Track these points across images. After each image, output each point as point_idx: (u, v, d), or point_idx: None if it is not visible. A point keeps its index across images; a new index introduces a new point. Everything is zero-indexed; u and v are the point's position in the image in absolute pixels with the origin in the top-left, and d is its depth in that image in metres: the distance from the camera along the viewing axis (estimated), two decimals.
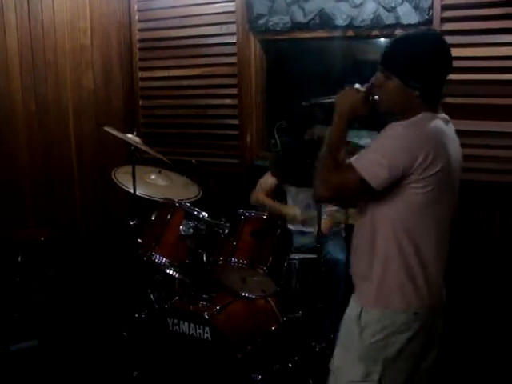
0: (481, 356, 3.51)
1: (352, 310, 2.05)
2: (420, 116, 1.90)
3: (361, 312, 1.99)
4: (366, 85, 2.01)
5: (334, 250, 3.50)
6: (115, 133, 3.50)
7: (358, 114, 2.01)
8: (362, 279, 2.04)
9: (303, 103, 2.31)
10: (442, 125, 1.93)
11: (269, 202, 3.64)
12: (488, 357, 3.51)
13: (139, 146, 3.49)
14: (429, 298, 1.97)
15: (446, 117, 2.00)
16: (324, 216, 3.57)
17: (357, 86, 2.02)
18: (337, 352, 2.10)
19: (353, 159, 1.89)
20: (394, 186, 1.87)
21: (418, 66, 1.90)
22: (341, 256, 3.46)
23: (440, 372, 2.21)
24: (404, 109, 1.95)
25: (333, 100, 2.06)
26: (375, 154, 1.85)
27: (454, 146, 1.96)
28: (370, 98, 2.00)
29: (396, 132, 1.86)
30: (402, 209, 1.90)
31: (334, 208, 3.60)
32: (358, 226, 2.08)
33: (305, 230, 3.68)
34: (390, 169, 1.82)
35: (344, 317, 2.10)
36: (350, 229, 3.62)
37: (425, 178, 1.84)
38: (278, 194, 3.85)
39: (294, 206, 3.65)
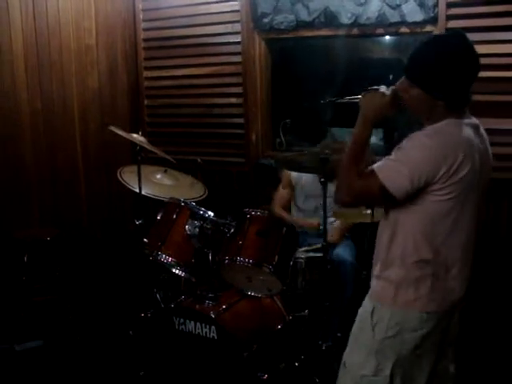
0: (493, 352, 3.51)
1: (366, 304, 2.07)
2: (444, 122, 1.88)
3: (374, 308, 2.01)
4: (391, 88, 1.99)
5: (341, 250, 3.50)
6: (121, 132, 3.51)
7: (382, 117, 1.99)
8: (376, 278, 2.06)
9: (323, 100, 2.31)
10: (467, 130, 1.90)
11: (286, 215, 3.69)
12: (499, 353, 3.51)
13: (144, 145, 3.49)
14: (444, 300, 1.98)
15: (474, 121, 1.97)
16: (332, 219, 3.56)
17: (382, 88, 2.00)
18: (350, 345, 2.11)
19: (376, 166, 1.88)
20: (416, 194, 1.87)
21: (440, 76, 1.87)
22: (348, 255, 3.46)
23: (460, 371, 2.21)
24: (428, 116, 1.93)
25: (355, 100, 2.05)
26: (398, 164, 1.84)
27: (482, 150, 1.94)
28: (399, 103, 1.99)
29: (419, 142, 1.85)
30: (423, 215, 1.91)
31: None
32: (381, 227, 2.09)
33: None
34: (413, 180, 1.82)
35: (359, 311, 2.11)
36: (355, 227, 3.62)
37: (448, 186, 1.84)
38: None
39: (313, 218, 3.66)
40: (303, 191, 3.72)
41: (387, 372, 1.98)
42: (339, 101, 2.24)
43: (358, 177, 1.89)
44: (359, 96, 2.03)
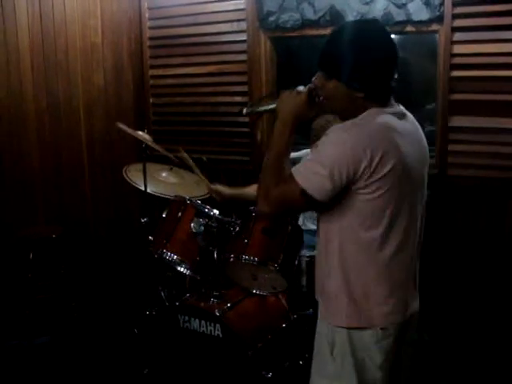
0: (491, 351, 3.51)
1: (320, 327, 1.94)
2: (364, 114, 1.75)
3: (328, 331, 1.88)
4: (307, 86, 1.85)
5: None
6: (127, 129, 3.51)
7: (302, 118, 1.86)
8: (321, 296, 1.93)
9: (243, 112, 2.11)
10: (392, 120, 1.75)
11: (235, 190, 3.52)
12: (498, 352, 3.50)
13: (149, 143, 3.50)
14: (396, 312, 1.84)
15: (400, 109, 1.83)
16: None
17: (299, 88, 1.86)
18: (313, 372, 1.97)
19: (293, 169, 1.74)
20: (341, 194, 1.72)
21: (355, 65, 1.73)
22: None
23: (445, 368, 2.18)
24: (349, 109, 1.79)
25: (271, 106, 1.92)
26: (316, 164, 1.70)
27: (411, 141, 1.79)
28: (316, 100, 1.84)
29: (337, 137, 1.71)
30: (355, 219, 1.75)
31: None
32: (316, 241, 1.94)
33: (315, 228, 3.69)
34: (333, 178, 1.66)
35: (315, 334, 1.96)
36: None
37: (374, 182, 1.68)
38: None
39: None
40: None
41: None
42: (260, 109, 2.12)
43: (276, 184, 1.75)
44: (274, 102, 1.91)
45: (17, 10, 4.10)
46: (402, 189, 1.74)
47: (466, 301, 3.71)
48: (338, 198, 1.73)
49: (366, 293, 1.80)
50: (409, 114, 1.86)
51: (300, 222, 3.74)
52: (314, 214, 3.71)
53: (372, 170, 1.66)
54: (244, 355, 2.81)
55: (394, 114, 1.78)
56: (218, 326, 2.86)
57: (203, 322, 2.90)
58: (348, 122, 1.75)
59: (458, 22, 3.66)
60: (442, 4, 3.66)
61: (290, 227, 2.99)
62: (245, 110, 2.11)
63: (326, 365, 1.89)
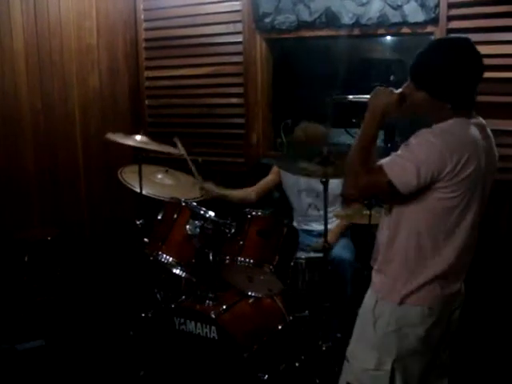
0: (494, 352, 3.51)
1: (368, 299, 2.12)
2: (451, 122, 1.93)
3: (376, 303, 2.06)
4: (399, 90, 2.03)
5: (340, 249, 3.49)
6: (118, 139, 3.48)
7: (389, 115, 2.02)
8: (377, 272, 2.11)
9: (327, 99, 2.35)
10: (473, 130, 1.94)
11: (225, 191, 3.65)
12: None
13: (144, 146, 3.49)
14: (445, 296, 2.02)
15: (480, 121, 2.02)
16: (333, 219, 3.57)
17: (390, 88, 2.04)
18: (353, 340, 2.15)
19: (383, 162, 1.92)
20: (421, 190, 1.91)
21: (446, 80, 1.92)
22: (347, 255, 3.46)
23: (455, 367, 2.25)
24: (434, 117, 1.98)
25: (362, 99, 2.09)
26: (405, 161, 1.88)
27: (487, 150, 1.99)
28: (402, 104, 2.01)
29: (426, 140, 1.89)
30: (427, 213, 1.95)
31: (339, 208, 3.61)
32: (383, 222, 2.13)
33: (309, 228, 3.71)
34: (419, 176, 1.86)
35: (362, 305, 2.15)
36: (355, 228, 3.62)
37: (453, 185, 1.88)
38: (283, 201, 3.88)
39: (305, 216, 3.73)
40: (296, 185, 3.72)
41: (388, 366, 2.02)
42: (346, 99, 2.27)
43: (365, 172, 1.93)
44: (366, 96, 2.07)
45: (11, 10, 4.08)
46: (472, 194, 1.95)
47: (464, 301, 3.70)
48: (416, 193, 1.93)
49: (420, 276, 1.99)
50: (487, 127, 2.05)
51: (295, 223, 3.75)
52: (308, 214, 3.74)
53: (454, 173, 1.87)
54: (240, 357, 2.80)
55: (477, 125, 1.98)
56: (213, 328, 2.85)
57: (199, 324, 2.90)
58: (437, 128, 1.93)
59: (454, 24, 3.66)
60: (437, 6, 3.67)
61: (285, 229, 2.99)
62: (334, 97, 2.29)
63: (366, 334, 2.07)
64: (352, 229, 3.66)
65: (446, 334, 2.11)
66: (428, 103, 1.97)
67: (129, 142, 3.49)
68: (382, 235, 2.11)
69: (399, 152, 1.93)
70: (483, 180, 1.98)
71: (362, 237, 3.49)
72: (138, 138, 3.53)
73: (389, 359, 2.01)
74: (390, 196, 1.98)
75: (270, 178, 3.84)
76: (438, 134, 1.90)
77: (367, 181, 1.93)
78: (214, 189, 3.53)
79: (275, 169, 3.83)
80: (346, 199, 3.51)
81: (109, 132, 3.53)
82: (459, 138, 1.89)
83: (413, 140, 1.92)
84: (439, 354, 2.13)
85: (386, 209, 2.10)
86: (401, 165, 1.89)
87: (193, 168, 3.47)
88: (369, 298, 2.12)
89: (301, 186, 3.71)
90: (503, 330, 3.65)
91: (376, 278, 2.11)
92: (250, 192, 3.75)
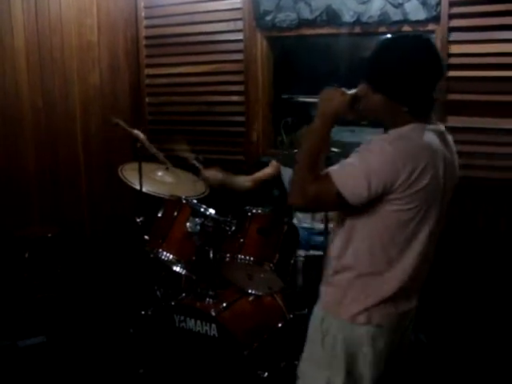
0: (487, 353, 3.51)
1: (315, 315, 2.01)
2: (406, 128, 1.80)
3: (323, 319, 1.95)
4: (352, 90, 1.89)
5: None
6: (125, 126, 3.49)
7: (338, 118, 1.89)
8: (327, 285, 1.99)
9: (283, 96, 2.26)
10: (431, 136, 1.81)
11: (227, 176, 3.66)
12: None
13: (144, 143, 3.49)
14: (398, 315, 1.91)
15: (439, 127, 1.89)
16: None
17: (342, 88, 1.90)
18: (303, 358, 2.06)
19: (332, 170, 1.79)
20: (374, 201, 1.77)
21: (404, 82, 1.78)
22: None
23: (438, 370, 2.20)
24: (391, 121, 1.85)
25: (315, 100, 1.94)
26: (356, 170, 1.75)
27: (447, 158, 1.85)
28: (355, 106, 1.88)
29: (379, 147, 1.76)
30: (381, 225, 1.82)
31: None
32: (334, 231, 2.01)
33: (311, 226, 3.70)
34: (370, 187, 1.72)
35: (310, 322, 2.04)
36: None
37: (407, 196, 1.75)
38: (283, 198, 3.87)
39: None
40: None
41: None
42: (297, 99, 2.19)
43: (313, 181, 1.79)
44: (316, 96, 1.93)
45: (12, 8, 4.09)
46: (430, 205, 1.81)
47: (463, 301, 3.70)
48: (368, 204, 1.79)
49: (371, 292, 1.87)
50: (447, 133, 1.92)
51: (295, 221, 3.75)
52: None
53: (408, 184, 1.73)
54: (240, 355, 2.80)
55: (435, 131, 1.84)
56: (213, 325, 2.85)
57: (199, 321, 2.90)
58: (392, 135, 1.80)
59: (455, 22, 3.66)
60: (438, 4, 3.66)
61: (285, 227, 2.99)
62: (283, 96, 2.22)
63: (315, 351, 1.97)
64: None
65: (398, 353, 1.99)
66: (384, 106, 1.82)
67: (133, 133, 3.49)
68: (334, 246, 1.96)
69: (350, 159, 1.79)
70: (442, 190, 1.84)
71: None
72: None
73: (339, 378, 1.90)
74: (339, 207, 1.85)
75: (268, 171, 3.85)
76: (391, 140, 1.76)
77: (314, 189, 1.78)
78: (218, 174, 3.54)
79: (274, 163, 3.83)
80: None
81: (109, 130, 3.53)
82: (415, 145, 1.76)
83: (365, 147, 1.78)
84: (391, 373, 2.00)
85: (338, 219, 1.97)
86: (351, 174, 1.75)
87: (160, 156, 3.53)
88: (316, 313, 2.00)
89: None
90: (505, 327, 3.65)
91: (324, 292, 1.99)
92: (247, 179, 3.77)
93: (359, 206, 1.79)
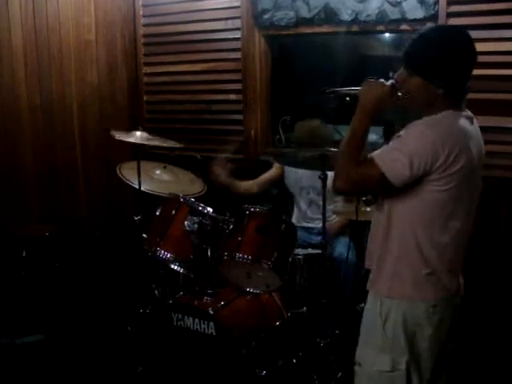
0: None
1: (371, 301, 2.08)
2: (443, 113, 1.92)
3: (380, 304, 2.03)
4: (390, 80, 2.00)
5: (342, 248, 3.50)
6: (120, 136, 3.48)
7: (382, 109, 1.99)
8: (376, 271, 2.07)
9: (321, 90, 2.30)
10: (465, 123, 1.94)
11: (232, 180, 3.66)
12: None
13: (143, 142, 3.49)
14: (447, 291, 2.02)
15: (470, 114, 2.01)
16: (332, 216, 3.57)
17: (381, 80, 2.01)
18: (360, 344, 2.12)
19: (375, 154, 1.90)
20: (414, 183, 1.89)
21: (441, 64, 1.90)
22: (350, 256, 3.45)
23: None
24: (427, 106, 1.96)
25: (354, 91, 2.05)
26: (397, 152, 1.86)
27: (477, 144, 1.97)
28: (397, 94, 1.98)
29: (419, 130, 1.87)
30: (421, 204, 1.92)
31: (340, 204, 3.60)
32: (375, 219, 2.11)
33: (311, 225, 3.71)
34: (412, 168, 1.84)
35: (365, 309, 2.12)
36: (355, 225, 3.61)
37: (446, 177, 1.86)
38: (282, 197, 3.89)
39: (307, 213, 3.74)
40: (298, 183, 3.73)
41: (403, 366, 2.00)
42: (337, 92, 2.23)
43: (357, 166, 1.90)
44: (357, 88, 2.03)
45: (10, 6, 4.08)
46: (465, 186, 1.93)
47: (463, 301, 3.70)
48: (409, 186, 1.90)
49: (419, 272, 1.97)
50: (475, 120, 2.03)
51: (294, 219, 3.75)
52: (309, 212, 3.75)
53: (447, 165, 1.84)
54: (238, 353, 2.81)
55: (467, 118, 1.97)
56: (211, 324, 2.86)
57: (197, 320, 2.90)
58: (429, 119, 1.92)
59: (453, 21, 3.65)
60: (436, 2, 3.66)
61: (283, 225, 2.99)
62: (322, 90, 2.28)
63: (375, 337, 2.04)
64: (351, 227, 3.65)
65: (452, 328, 2.09)
66: (421, 89, 1.94)
67: (130, 139, 3.48)
68: (376, 233, 2.07)
69: (391, 144, 1.92)
70: (474, 173, 1.96)
71: (361, 235, 3.50)
72: (138, 134, 3.53)
73: (402, 359, 2.00)
74: (382, 189, 1.96)
75: (272, 173, 3.86)
76: (430, 125, 1.88)
77: (358, 174, 1.90)
78: (222, 173, 3.54)
79: (277, 165, 3.84)
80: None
81: (107, 128, 3.53)
82: (451, 129, 1.89)
83: (405, 131, 1.90)
84: (447, 349, 2.10)
85: (377, 206, 2.08)
86: (393, 156, 1.87)
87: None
88: (372, 298, 2.08)
89: (303, 184, 3.72)
90: (504, 327, 3.65)
91: (374, 278, 2.08)
92: (252, 184, 3.77)
93: (400, 188, 1.89)
